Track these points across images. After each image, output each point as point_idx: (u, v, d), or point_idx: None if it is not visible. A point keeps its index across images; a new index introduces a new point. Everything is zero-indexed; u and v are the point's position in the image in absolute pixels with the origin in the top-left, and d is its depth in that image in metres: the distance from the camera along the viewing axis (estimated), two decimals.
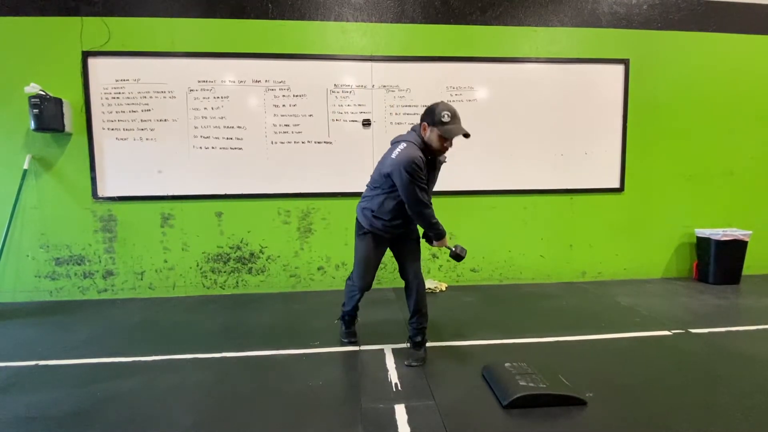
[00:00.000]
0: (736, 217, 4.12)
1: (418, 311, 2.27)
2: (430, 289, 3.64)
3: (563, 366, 2.12)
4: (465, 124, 2.36)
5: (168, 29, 3.48)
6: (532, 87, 3.83)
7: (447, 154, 2.22)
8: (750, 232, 3.82)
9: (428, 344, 2.37)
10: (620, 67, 3.89)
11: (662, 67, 3.93)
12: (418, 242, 2.39)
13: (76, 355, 2.39)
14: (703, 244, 3.91)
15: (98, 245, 3.56)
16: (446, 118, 2.02)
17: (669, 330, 2.69)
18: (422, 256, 3.79)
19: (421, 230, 2.36)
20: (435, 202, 3.76)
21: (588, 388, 1.91)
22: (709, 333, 2.64)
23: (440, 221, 2.29)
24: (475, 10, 3.72)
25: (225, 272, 3.70)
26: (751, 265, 4.01)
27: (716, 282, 3.82)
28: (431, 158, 2.16)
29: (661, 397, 1.87)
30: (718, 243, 3.76)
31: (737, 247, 3.80)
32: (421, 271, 2.38)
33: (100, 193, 3.52)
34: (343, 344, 2.51)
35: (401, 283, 3.72)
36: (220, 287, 3.71)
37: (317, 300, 3.46)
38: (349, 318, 2.55)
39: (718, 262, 3.80)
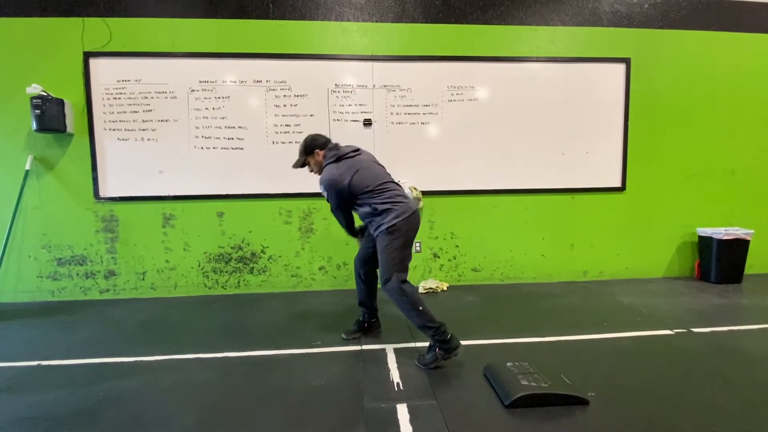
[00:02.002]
0: (737, 216, 4.11)
1: (410, 319, 2.22)
2: (431, 288, 3.65)
3: (565, 365, 2.12)
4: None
5: (169, 29, 3.48)
6: (533, 86, 3.82)
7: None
8: (752, 231, 3.81)
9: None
10: (621, 66, 3.89)
11: (663, 66, 3.93)
12: (382, 240, 2.23)
13: (78, 355, 2.39)
14: (705, 243, 3.90)
15: (100, 245, 3.57)
16: None
17: (671, 329, 2.68)
18: (423, 255, 3.84)
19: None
20: (436, 201, 3.80)
21: (590, 388, 1.91)
22: (712, 332, 2.63)
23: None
24: (476, 9, 3.72)
25: (226, 272, 3.70)
26: (753, 264, 4.00)
27: (718, 281, 3.81)
28: None
29: (664, 396, 1.87)
30: (720, 242, 3.75)
31: (739, 246, 3.79)
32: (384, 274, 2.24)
33: (102, 193, 3.53)
34: (344, 343, 2.52)
35: None
36: (222, 287, 3.71)
37: (318, 300, 3.46)
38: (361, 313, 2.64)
39: (720, 261, 3.79)
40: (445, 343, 2.12)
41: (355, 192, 2.23)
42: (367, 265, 2.50)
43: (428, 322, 2.12)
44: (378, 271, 2.33)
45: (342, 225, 2.46)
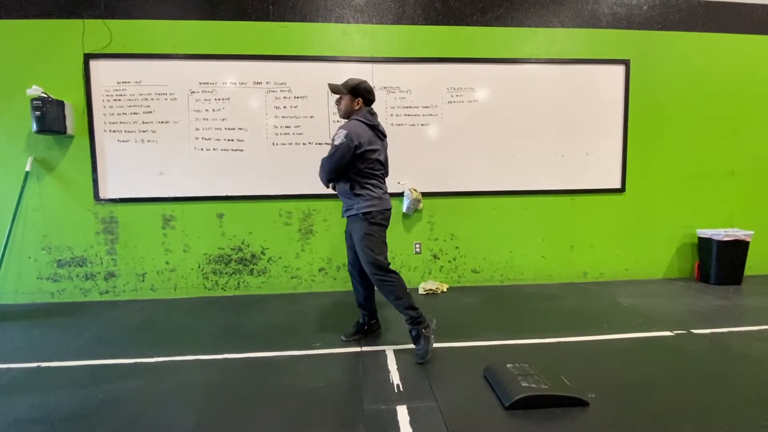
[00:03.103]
0: (737, 218, 4.11)
1: (394, 305, 2.34)
2: (431, 290, 3.65)
3: (565, 367, 2.12)
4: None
5: (169, 31, 3.49)
6: (532, 88, 3.83)
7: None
8: (752, 232, 3.82)
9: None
10: (621, 68, 3.89)
11: (663, 67, 3.94)
12: (354, 228, 2.35)
13: (78, 357, 2.39)
14: (704, 244, 3.91)
15: (100, 247, 3.57)
16: None
17: (671, 330, 2.68)
18: (423, 257, 3.83)
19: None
20: (436, 202, 3.80)
21: (590, 389, 1.91)
22: (711, 333, 2.63)
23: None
24: (476, 11, 3.73)
25: (226, 273, 3.70)
26: (752, 266, 4.00)
27: (718, 282, 3.82)
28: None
29: (663, 397, 1.87)
30: (720, 243, 3.76)
31: (739, 248, 3.79)
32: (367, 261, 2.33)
33: (102, 194, 3.53)
34: (344, 344, 2.52)
35: None
36: (222, 289, 3.71)
37: (318, 301, 3.46)
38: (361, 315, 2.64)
39: (720, 263, 3.79)
40: (423, 323, 2.30)
41: (356, 160, 2.26)
42: (358, 264, 2.49)
43: (411, 305, 2.30)
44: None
45: (323, 172, 2.34)
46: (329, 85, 2.38)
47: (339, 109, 2.40)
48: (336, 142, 2.23)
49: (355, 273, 2.54)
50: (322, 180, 2.39)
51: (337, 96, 2.38)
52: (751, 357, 2.28)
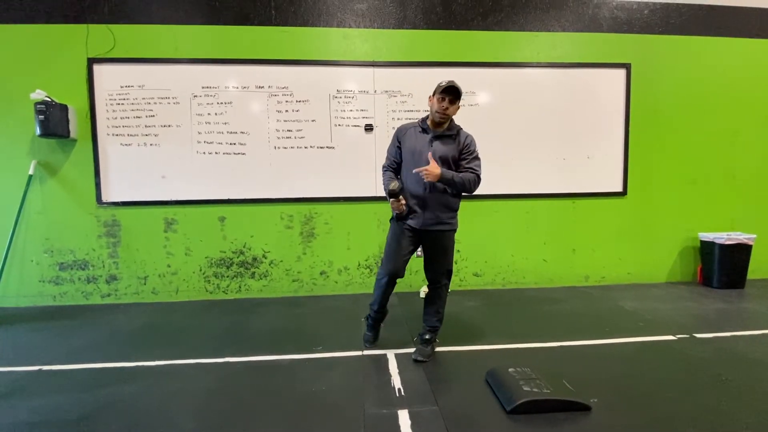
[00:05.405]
0: (739, 221, 4.10)
1: (435, 312, 2.40)
2: None
3: (567, 371, 2.11)
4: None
5: (172, 36, 3.51)
6: (533, 91, 3.83)
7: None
8: (754, 235, 3.80)
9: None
10: (622, 72, 3.90)
11: (664, 71, 3.94)
12: (444, 242, 2.37)
13: (79, 360, 2.39)
14: (707, 248, 3.89)
15: (102, 250, 3.58)
16: (443, 84, 2.24)
17: (674, 335, 2.67)
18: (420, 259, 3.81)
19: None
20: None
21: (592, 394, 1.90)
22: (714, 338, 2.62)
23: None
24: (477, 15, 3.74)
25: (228, 277, 3.70)
26: (755, 269, 3.99)
27: (721, 286, 3.80)
28: (426, 131, 2.38)
29: (666, 402, 1.86)
30: (722, 247, 3.74)
31: (741, 251, 3.78)
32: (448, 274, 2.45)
33: (104, 198, 3.54)
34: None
35: (403, 288, 3.75)
36: (223, 292, 3.71)
37: (320, 305, 3.46)
38: (374, 318, 2.53)
39: (723, 266, 3.78)
40: (437, 332, 2.45)
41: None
42: (403, 270, 2.43)
43: (443, 316, 2.43)
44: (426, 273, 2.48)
45: (479, 180, 2.43)
46: (457, 86, 2.23)
47: (446, 112, 2.27)
48: (478, 151, 2.44)
49: (399, 275, 2.42)
50: (476, 188, 2.42)
51: (450, 98, 2.25)
52: (754, 361, 2.27)
